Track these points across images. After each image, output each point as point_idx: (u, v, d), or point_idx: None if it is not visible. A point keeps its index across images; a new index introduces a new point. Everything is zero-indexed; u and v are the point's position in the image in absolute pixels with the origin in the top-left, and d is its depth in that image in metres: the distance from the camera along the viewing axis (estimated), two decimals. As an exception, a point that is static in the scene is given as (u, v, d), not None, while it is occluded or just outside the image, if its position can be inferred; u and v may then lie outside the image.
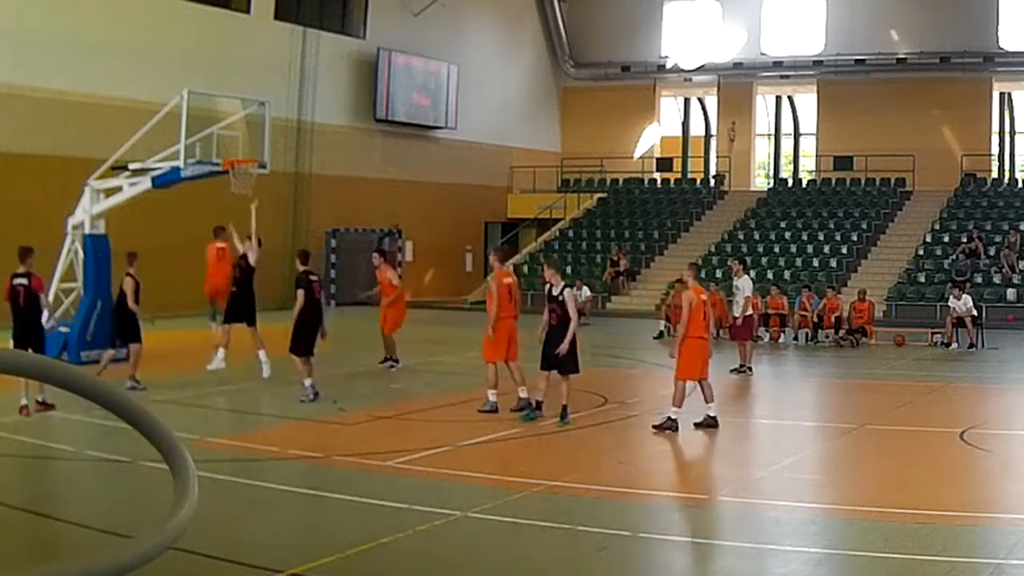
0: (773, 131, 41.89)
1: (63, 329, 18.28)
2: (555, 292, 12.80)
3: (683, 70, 40.17)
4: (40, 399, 12.75)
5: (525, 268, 35.75)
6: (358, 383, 16.41)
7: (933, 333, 23.13)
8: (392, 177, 35.28)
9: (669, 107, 43.11)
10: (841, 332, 23.06)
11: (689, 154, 42.49)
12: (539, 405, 12.73)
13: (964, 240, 30.93)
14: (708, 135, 42.59)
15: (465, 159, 37.82)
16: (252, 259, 16.27)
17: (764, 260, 32.51)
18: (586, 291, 28.62)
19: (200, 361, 16.46)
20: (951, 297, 23.12)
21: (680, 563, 7.59)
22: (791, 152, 42.21)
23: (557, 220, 38.22)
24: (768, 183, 40.54)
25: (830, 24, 37.46)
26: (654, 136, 41.87)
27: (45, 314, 13.86)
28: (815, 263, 32.13)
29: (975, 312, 22.94)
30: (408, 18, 34.94)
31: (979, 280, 29.07)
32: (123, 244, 19.53)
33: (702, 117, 42.93)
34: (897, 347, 22.61)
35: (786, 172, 41.40)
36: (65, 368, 2.52)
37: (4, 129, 24.15)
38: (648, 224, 36.78)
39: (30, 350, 12.60)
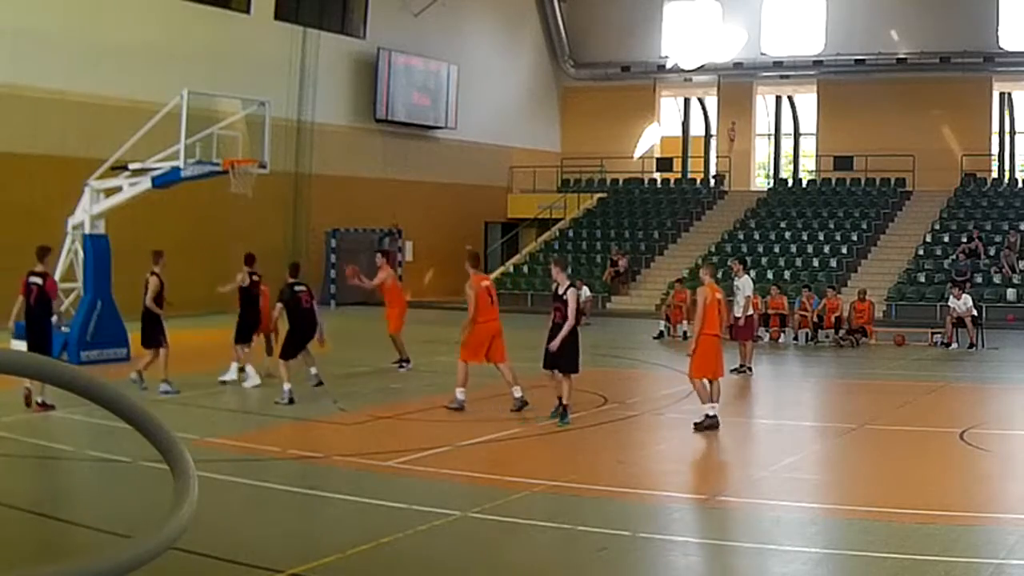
0: (773, 131, 41.89)
1: (63, 329, 18.29)
2: (560, 291, 12.80)
3: (683, 70, 40.18)
4: (40, 400, 12.76)
5: (525, 268, 35.75)
6: (358, 383, 16.40)
7: (933, 333, 23.12)
8: (392, 177, 35.29)
9: (669, 107, 43.11)
10: (841, 332, 23.06)
11: (689, 154, 42.50)
12: (565, 408, 12.68)
13: (964, 240, 30.93)
14: (708, 135, 42.59)
15: (465, 159, 37.82)
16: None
17: (764, 260, 32.51)
18: (586, 291, 28.59)
19: (201, 361, 16.44)
20: (951, 297, 23.12)
21: (680, 563, 7.58)
22: (791, 152, 42.22)
23: (557, 220, 38.23)
24: (768, 183, 40.54)
25: (830, 24, 37.46)
26: (654, 136, 41.88)
27: (55, 318, 13.88)
28: (815, 263, 32.13)
29: (975, 312, 22.94)
30: (408, 18, 34.95)
31: (979, 280, 29.07)
32: (123, 244, 19.58)
33: (702, 117, 42.94)
34: (897, 347, 22.61)
35: (786, 172, 41.41)
36: (65, 368, 2.52)
37: (4, 129, 24.15)
38: (648, 224, 36.78)
39: (27, 348, 12.65)
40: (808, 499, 9.36)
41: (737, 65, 39.01)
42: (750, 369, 17.76)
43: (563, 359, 12.60)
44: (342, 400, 14.26)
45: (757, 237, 34.50)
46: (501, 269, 36.43)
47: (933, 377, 18.23)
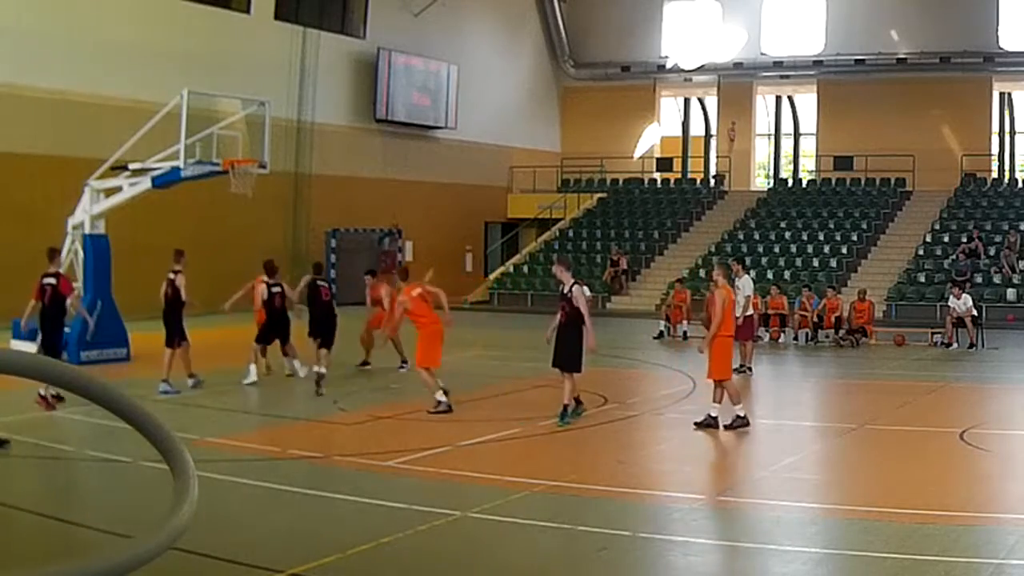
0: (773, 131, 41.90)
1: (64, 329, 18.28)
2: (564, 290, 12.83)
3: (683, 70, 40.18)
4: (41, 392, 12.78)
5: (525, 268, 35.75)
6: (358, 383, 16.40)
7: (933, 333, 23.12)
8: (392, 177, 35.29)
9: (669, 107, 43.12)
10: (841, 332, 23.05)
11: (689, 154, 42.51)
12: (577, 403, 12.81)
13: (964, 240, 30.93)
14: (708, 135, 42.60)
15: (465, 159, 37.83)
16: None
17: (764, 260, 32.50)
18: (586, 291, 28.57)
19: (201, 361, 16.41)
20: (951, 297, 23.12)
21: (680, 563, 7.58)
22: (791, 152, 42.22)
23: (557, 220, 38.23)
24: (768, 183, 40.54)
25: (830, 24, 37.47)
26: (654, 136, 41.88)
27: (71, 313, 14.02)
28: (815, 263, 32.13)
29: (975, 312, 22.94)
30: (408, 18, 34.95)
31: (979, 280, 29.07)
32: (123, 244, 19.58)
33: (702, 117, 42.95)
34: (897, 347, 22.60)
35: (786, 172, 41.42)
36: (65, 368, 2.52)
37: (4, 129, 24.15)
38: (648, 224, 36.78)
39: (42, 349, 12.81)
40: (808, 499, 9.37)
41: (737, 65, 39.01)
42: (750, 369, 17.77)
43: (567, 357, 12.57)
44: (342, 400, 14.26)
45: (757, 237, 34.49)
46: (501, 269, 36.44)
47: (933, 377, 18.22)
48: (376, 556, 7.41)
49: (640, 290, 33.00)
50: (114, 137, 19.72)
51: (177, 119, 18.46)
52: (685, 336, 24.44)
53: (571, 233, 37.39)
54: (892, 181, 36.12)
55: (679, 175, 41.04)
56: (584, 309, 12.64)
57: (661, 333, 24.49)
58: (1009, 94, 37.76)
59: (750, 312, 18.65)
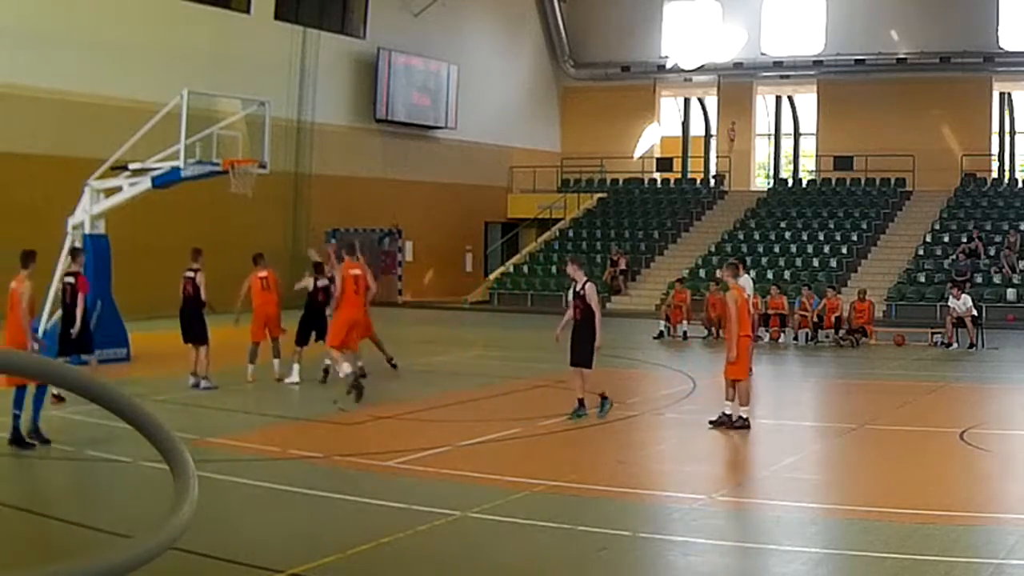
0: (773, 131, 41.90)
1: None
2: (577, 288, 13.00)
3: (683, 70, 40.19)
4: (56, 392, 12.84)
5: (525, 268, 35.76)
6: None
7: (933, 333, 23.12)
8: (392, 177, 35.30)
9: (669, 107, 43.12)
10: (841, 332, 23.05)
11: (689, 154, 42.51)
12: (582, 404, 12.95)
13: (964, 240, 30.93)
14: (708, 135, 42.61)
15: (465, 159, 37.83)
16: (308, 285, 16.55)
17: (764, 260, 32.51)
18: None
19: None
20: (951, 297, 23.12)
21: (680, 563, 7.58)
22: (791, 152, 42.23)
23: (557, 220, 38.24)
24: (768, 183, 40.55)
25: (830, 24, 37.47)
26: (654, 136, 41.89)
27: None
28: (815, 263, 32.13)
29: (975, 312, 22.94)
30: (408, 18, 34.96)
31: (979, 280, 29.08)
32: (123, 244, 19.58)
33: (702, 117, 42.95)
34: (897, 347, 22.61)
35: (786, 172, 41.43)
36: (65, 368, 2.52)
37: (4, 129, 24.16)
38: (648, 224, 36.79)
39: (69, 346, 13.09)
40: (808, 499, 9.36)
41: (737, 65, 39.02)
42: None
43: (579, 353, 12.78)
44: (342, 400, 14.26)
45: (757, 237, 34.50)
46: (501, 269, 36.45)
47: (933, 377, 18.22)
48: (376, 556, 7.41)
49: (640, 290, 33.00)
50: (114, 137, 19.71)
51: (177, 119, 18.45)
52: (685, 336, 24.46)
53: (571, 233, 37.40)
54: (892, 181, 36.12)
55: (679, 175, 41.05)
56: (596, 307, 12.82)
57: (661, 333, 24.50)
58: (1009, 94, 37.76)
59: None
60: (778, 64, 38.64)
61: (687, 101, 42.91)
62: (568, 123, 42.63)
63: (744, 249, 32.66)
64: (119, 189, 18.72)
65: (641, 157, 41.30)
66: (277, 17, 31.28)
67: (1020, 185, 35.21)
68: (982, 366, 19.94)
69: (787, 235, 34.14)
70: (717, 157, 41.32)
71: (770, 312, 23.49)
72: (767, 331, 23.20)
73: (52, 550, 7.58)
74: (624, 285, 33.22)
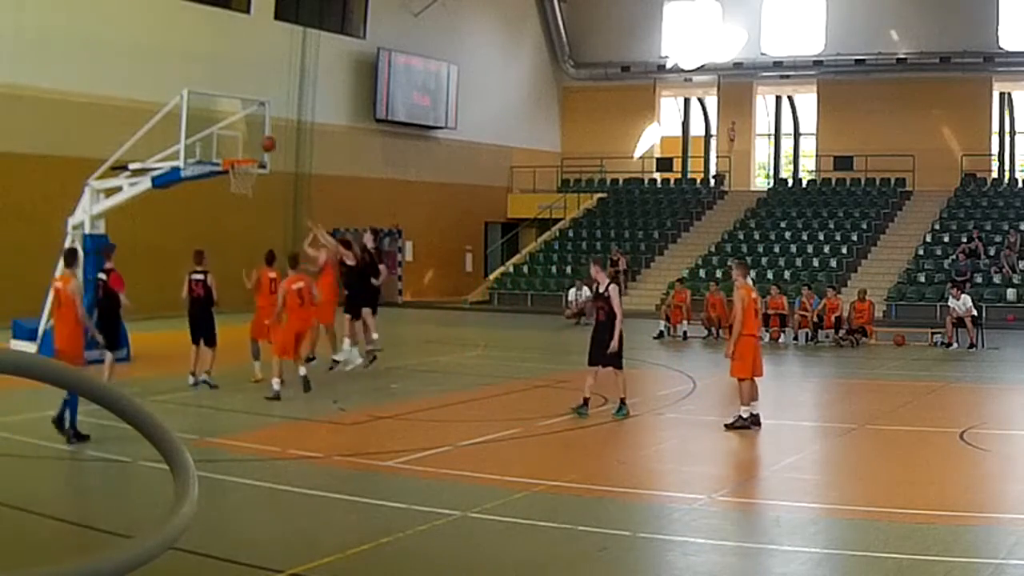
0: (773, 131, 41.90)
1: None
2: (600, 289, 13.21)
3: (683, 70, 40.18)
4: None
5: (525, 268, 35.76)
6: (358, 383, 16.38)
7: (933, 333, 23.12)
8: (392, 177, 35.29)
9: (669, 107, 43.12)
10: (841, 332, 23.05)
11: (689, 154, 42.51)
12: (586, 402, 13.06)
13: (964, 240, 30.93)
14: (708, 135, 42.61)
15: (465, 159, 37.83)
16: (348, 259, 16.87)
17: (764, 260, 32.51)
18: (586, 291, 28.60)
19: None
20: (950, 297, 23.13)
21: (680, 563, 7.58)
22: (791, 152, 42.23)
23: (557, 220, 38.24)
24: (768, 183, 40.55)
25: (830, 24, 37.47)
26: (654, 136, 41.89)
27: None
28: (815, 263, 32.13)
29: (975, 312, 22.94)
30: (408, 18, 34.95)
31: (979, 280, 29.07)
32: (123, 244, 19.54)
33: (702, 117, 42.95)
34: (897, 347, 22.61)
35: (786, 172, 41.42)
36: (66, 369, 2.52)
37: (4, 129, 24.15)
38: (648, 224, 36.79)
39: (102, 339, 13.21)
40: (808, 499, 9.36)
41: (737, 65, 39.01)
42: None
43: (600, 354, 12.96)
44: (342, 400, 14.27)
45: (757, 237, 34.50)
46: (501, 269, 36.45)
47: (933, 377, 18.22)
48: (376, 556, 7.41)
49: (640, 290, 32.99)
50: (114, 137, 19.71)
51: (177, 119, 18.45)
52: (685, 336, 24.46)
53: (571, 233, 37.39)
54: (892, 181, 36.12)
55: (679, 175, 41.05)
56: (618, 308, 12.99)
57: (661, 333, 24.50)
58: (1009, 94, 37.76)
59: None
60: (778, 64, 38.64)
61: (687, 101, 42.91)
62: (568, 123, 42.63)
63: (744, 249, 32.67)
64: (119, 189, 18.72)
65: (641, 157, 41.30)
66: (277, 17, 31.27)
67: (1020, 185, 35.21)
68: (982, 366, 19.94)
69: (787, 235, 34.14)
70: (717, 157, 41.33)
71: (770, 312, 23.47)
72: (767, 331, 23.18)
73: (52, 550, 7.58)
74: (624, 285, 33.22)
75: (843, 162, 36.84)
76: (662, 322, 24.81)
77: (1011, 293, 28.57)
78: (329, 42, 32.65)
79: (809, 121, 40.44)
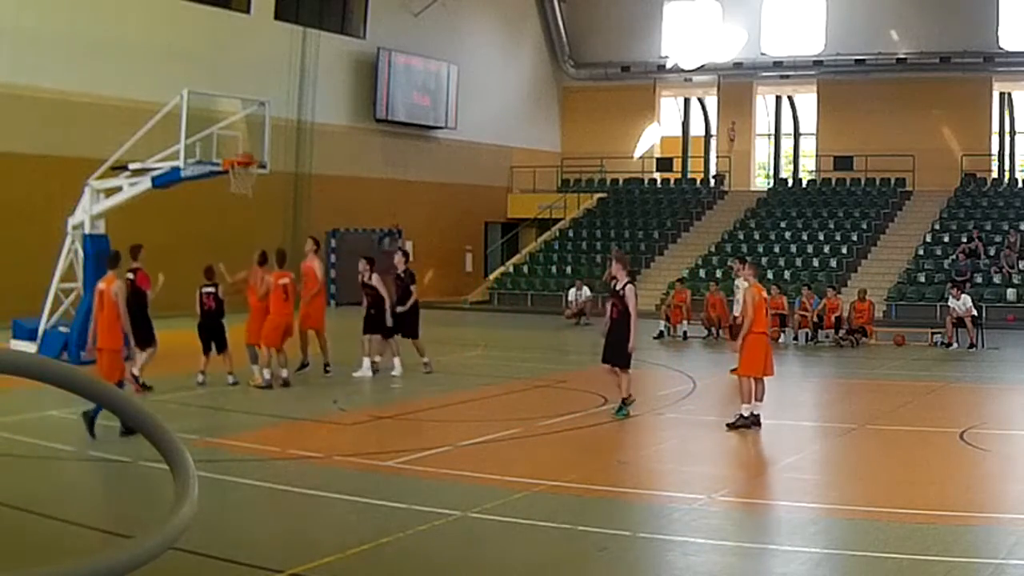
0: (773, 131, 41.90)
1: (63, 329, 18.29)
2: (617, 287, 13.22)
3: (683, 70, 40.18)
4: (138, 378, 14.10)
5: (525, 268, 35.76)
6: (358, 383, 16.39)
7: (933, 333, 23.12)
8: (392, 177, 35.29)
9: (669, 107, 43.12)
10: (841, 332, 23.05)
11: (689, 154, 42.51)
12: (625, 401, 13.08)
13: (964, 240, 30.93)
14: (708, 135, 42.60)
15: (465, 159, 37.83)
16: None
17: (764, 260, 32.49)
18: (586, 291, 28.63)
19: (199, 362, 16.43)
20: (950, 297, 23.13)
21: (680, 563, 7.58)
22: (791, 152, 42.22)
23: (557, 220, 38.24)
24: (768, 183, 40.55)
25: (830, 24, 37.47)
26: (654, 136, 41.89)
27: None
28: (815, 263, 32.13)
29: (975, 312, 22.94)
30: (408, 18, 34.95)
31: (979, 280, 29.08)
32: (123, 244, 19.54)
33: (702, 117, 42.95)
34: (897, 347, 22.61)
35: (786, 172, 41.42)
36: (65, 368, 2.52)
37: (4, 129, 24.15)
38: (648, 224, 36.79)
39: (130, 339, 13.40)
40: (808, 499, 9.36)
41: (737, 65, 39.01)
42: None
43: (616, 353, 12.98)
44: (342, 400, 14.27)
45: (757, 237, 34.50)
46: (501, 269, 36.45)
47: (933, 377, 18.22)
48: (376, 556, 7.41)
49: (640, 290, 32.85)
50: (114, 137, 19.72)
51: (177, 119, 18.46)
52: (685, 336, 24.46)
53: (571, 233, 37.40)
54: (892, 181, 36.12)
55: (679, 175, 41.05)
56: (633, 308, 12.99)
57: (661, 333, 24.50)
58: (1009, 94, 37.76)
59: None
60: (778, 64, 38.64)
61: (687, 101, 42.91)
62: (568, 123, 42.63)
63: (744, 249, 32.65)
64: (119, 189, 18.72)
65: (641, 157, 41.30)
66: (277, 17, 31.27)
67: (1020, 185, 35.21)
68: (982, 366, 19.94)
69: (787, 235, 34.15)
70: (717, 157, 41.33)
71: (770, 312, 23.47)
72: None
73: (52, 550, 7.58)
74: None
75: (843, 162, 36.85)
76: (662, 322, 24.81)
77: (1011, 293, 28.57)
78: (329, 42, 32.65)
79: (809, 121, 40.44)
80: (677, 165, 41.54)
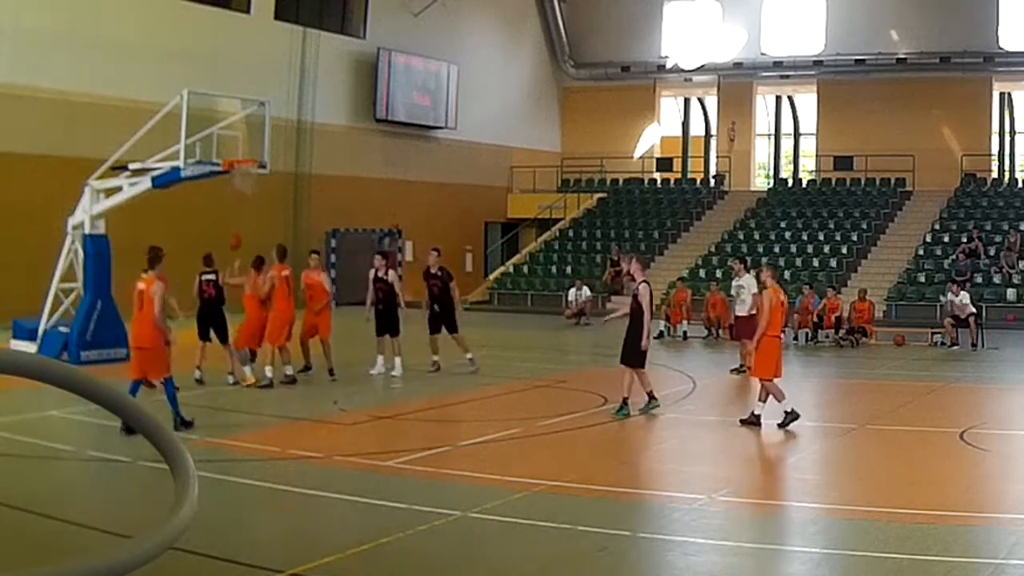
0: (773, 131, 41.89)
1: (63, 329, 18.29)
2: (633, 286, 13.42)
3: (683, 70, 40.16)
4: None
5: (525, 268, 35.75)
6: (358, 383, 16.39)
7: (933, 333, 23.13)
8: (392, 177, 35.28)
9: (669, 107, 43.11)
10: (841, 332, 23.05)
11: (689, 154, 42.49)
12: (652, 396, 13.35)
13: (964, 240, 30.93)
14: (708, 135, 42.59)
15: (465, 159, 37.82)
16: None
17: (764, 260, 32.45)
18: (586, 291, 28.64)
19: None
20: (948, 292, 23.12)
21: (680, 563, 7.58)
22: (791, 152, 42.21)
23: (557, 220, 38.23)
24: (768, 183, 40.54)
25: (830, 24, 37.46)
26: (654, 136, 41.88)
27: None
28: (815, 263, 32.13)
29: (974, 310, 22.94)
30: (408, 18, 34.94)
31: (979, 280, 29.07)
32: (123, 244, 19.56)
33: (702, 117, 42.93)
34: (897, 347, 22.61)
35: (786, 172, 41.40)
36: (65, 368, 2.52)
37: (4, 129, 24.14)
38: (648, 224, 36.78)
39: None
40: (808, 499, 9.37)
41: (737, 65, 39.00)
42: (750, 369, 17.72)
43: (626, 352, 13.12)
44: (342, 400, 14.27)
45: (757, 237, 34.49)
46: (501, 269, 36.44)
47: (933, 377, 18.22)
48: (376, 556, 7.41)
49: (640, 290, 32.93)
50: (114, 137, 19.70)
51: (177, 119, 18.44)
52: (685, 336, 24.46)
53: (571, 233, 37.39)
54: (892, 181, 36.11)
55: (679, 175, 41.03)
56: (647, 308, 13.11)
57: (661, 333, 24.50)
58: (1009, 94, 37.75)
59: (754, 311, 18.63)
60: (778, 64, 38.63)
61: (687, 101, 42.89)
62: (568, 123, 42.62)
63: (744, 249, 32.63)
64: (119, 189, 18.71)
65: (641, 157, 41.29)
66: (277, 17, 31.26)
67: (1020, 185, 35.20)
68: (982, 366, 19.94)
69: (787, 235, 34.14)
70: (717, 157, 41.31)
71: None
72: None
73: (52, 550, 7.58)
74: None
75: (843, 162, 36.83)
76: (662, 322, 24.81)
77: (1011, 293, 28.56)
78: (329, 42, 32.64)
79: (809, 121, 40.42)
80: (677, 165, 41.53)
